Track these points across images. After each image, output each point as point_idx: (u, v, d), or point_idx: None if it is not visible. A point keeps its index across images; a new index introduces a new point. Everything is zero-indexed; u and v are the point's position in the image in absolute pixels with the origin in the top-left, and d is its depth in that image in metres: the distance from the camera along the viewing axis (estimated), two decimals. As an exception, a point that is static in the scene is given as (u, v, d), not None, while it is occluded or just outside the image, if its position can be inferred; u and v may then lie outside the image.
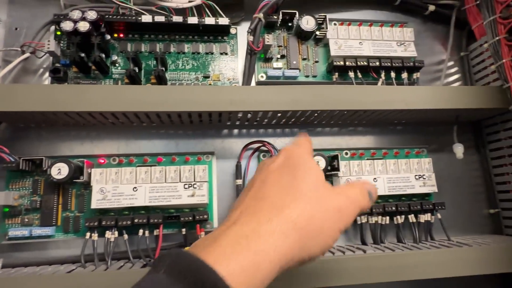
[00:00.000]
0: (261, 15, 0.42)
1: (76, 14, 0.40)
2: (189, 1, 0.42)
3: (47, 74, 0.43)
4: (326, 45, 0.48)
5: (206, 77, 0.45)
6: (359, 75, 0.46)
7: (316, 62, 0.47)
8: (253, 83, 0.46)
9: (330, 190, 0.23)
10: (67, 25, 0.39)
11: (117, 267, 0.35)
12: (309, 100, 0.38)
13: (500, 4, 0.43)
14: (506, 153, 0.46)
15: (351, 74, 0.46)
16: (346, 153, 0.45)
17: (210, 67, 0.45)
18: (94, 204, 0.38)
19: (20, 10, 0.45)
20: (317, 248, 0.21)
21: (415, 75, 0.47)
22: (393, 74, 0.46)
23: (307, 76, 0.47)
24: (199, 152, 0.42)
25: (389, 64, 0.46)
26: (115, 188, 0.39)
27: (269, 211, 0.20)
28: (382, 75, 0.46)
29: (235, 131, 0.45)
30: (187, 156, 0.42)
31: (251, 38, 0.42)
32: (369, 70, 0.47)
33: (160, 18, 0.42)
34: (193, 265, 0.17)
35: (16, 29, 0.45)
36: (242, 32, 0.47)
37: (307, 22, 0.46)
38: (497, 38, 0.42)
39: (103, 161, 0.41)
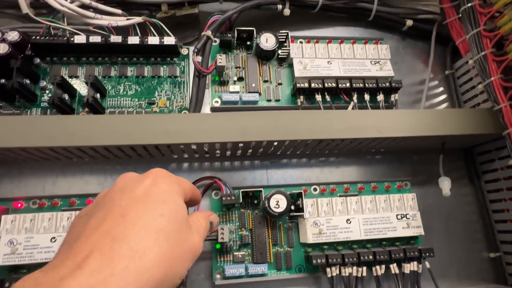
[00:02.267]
0: (209, 32, 0.37)
1: (-6, 35, 0.35)
2: (127, 19, 0.37)
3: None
4: (291, 65, 0.42)
5: (151, 103, 0.39)
6: (328, 98, 0.40)
7: (280, 84, 0.42)
8: (207, 110, 0.40)
9: (189, 229, 0.22)
10: (-18, 48, 0.34)
11: None
12: (262, 128, 0.32)
13: (483, 16, 0.37)
14: (504, 185, 0.39)
15: (318, 97, 0.40)
16: (315, 189, 0.39)
17: (156, 93, 0.39)
18: (1, 260, 0.31)
19: None
20: None
21: (393, 97, 0.41)
22: (367, 97, 0.41)
23: (269, 101, 0.41)
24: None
25: (361, 85, 0.40)
26: (28, 239, 0.32)
27: (128, 258, 0.17)
28: (354, 97, 0.40)
29: (185, 165, 0.39)
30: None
31: (198, 58, 0.37)
32: (339, 93, 0.41)
33: (95, 39, 0.37)
34: None
35: None
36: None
37: (267, 40, 0.40)
38: (483, 53, 0.36)
39: (20, 205, 0.34)
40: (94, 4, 0.35)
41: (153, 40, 0.38)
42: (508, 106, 0.34)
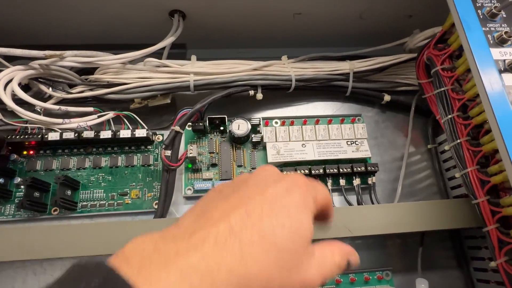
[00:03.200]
0: (177, 128, 0.37)
1: (-30, 139, 0.36)
2: (99, 116, 0.38)
3: None
4: (265, 148, 0.42)
5: (124, 195, 0.39)
6: (301, 185, 0.39)
7: (253, 168, 0.41)
8: (180, 198, 0.40)
9: (307, 257, 0.18)
10: (-42, 153, 0.35)
11: None
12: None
13: (457, 101, 0.36)
14: (493, 278, 0.36)
15: (291, 184, 0.39)
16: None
17: (128, 183, 0.40)
18: None
19: None
20: None
21: (370, 180, 0.40)
22: (342, 181, 0.40)
23: (242, 187, 0.40)
24: None
25: (335, 170, 0.39)
26: None
27: (237, 260, 0.16)
28: (329, 183, 0.39)
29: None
30: None
31: (168, 153, 0.37)
32: (314, 177, 0.40)
33: (69, 135, 0.38)
34: None
35: None
36: (171, 137, 0.43)
37: (238, 127, 0.40)
38: (457, 141, 0.35)
39: None
40: (64, 108, 0.36)
41: (125, 133, 0.39)
42: (485, 201, 0.32)
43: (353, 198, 0.40)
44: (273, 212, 0.18)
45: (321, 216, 0.22)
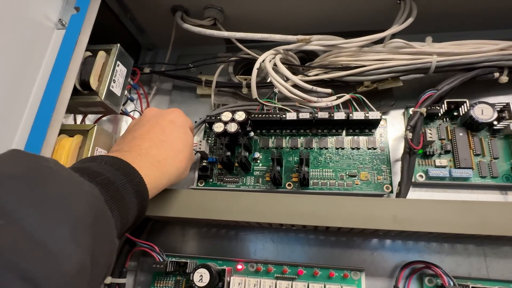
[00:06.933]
0: (423, 109, 0.36)
1: (226, 116, 0.41)
2: (337, 98, 0.39)
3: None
4: (507, 137, 0.38)
5: (353, 176, 0.40)
6: None
7: (495, 158, 0.37)
8: (408, 184, 0.39)
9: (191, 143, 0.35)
10: (218, 127, 0.41)
11: None
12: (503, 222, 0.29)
13: None
14: None
15: (556, 178, 0.34)
16: (558, 291, 0.32)
17: (355, 165, 0.40)
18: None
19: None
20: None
21: None
22: None
23: (483, 177, 0.37)
24: (346, 267, 0.36)
25: None
26: (254, 303, 0.35)
27: (173, 153, 0.31)
28: None
29: (387, 241, 0.38)
30: (331, 271, 0.36)
31: (410, 135, 0.36)
32: None
33: (305, 115, 0.40)
34: (126, 165, 0.26)
35: (172, 126, 0.49)
36: (391, 122, 0.42)
37: (482, 112, 0.37)
38: None
39: (241, 267, 0.38)
40: (314, 88, 0.38)
41: (358, 115, 0.39)
42: None
43: None
44: (177, 126, 0.33)
45: None
